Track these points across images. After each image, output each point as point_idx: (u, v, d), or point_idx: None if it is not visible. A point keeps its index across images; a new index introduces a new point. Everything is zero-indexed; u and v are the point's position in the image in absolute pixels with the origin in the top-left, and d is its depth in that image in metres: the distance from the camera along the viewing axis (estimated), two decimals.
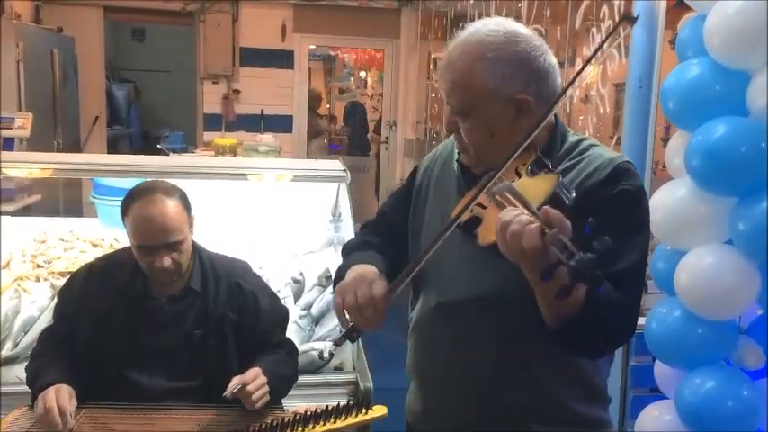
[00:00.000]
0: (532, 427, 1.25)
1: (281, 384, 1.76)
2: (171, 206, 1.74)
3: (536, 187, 1.05)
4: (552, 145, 1.24)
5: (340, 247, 2.82)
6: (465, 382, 1.29)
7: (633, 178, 1.20)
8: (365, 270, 1.24)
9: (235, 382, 1.61)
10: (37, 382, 1.68)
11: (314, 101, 7.93)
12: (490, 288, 1.21)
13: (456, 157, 1.33)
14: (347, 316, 1.20)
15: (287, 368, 1.82)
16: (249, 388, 1.61)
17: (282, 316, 1.95)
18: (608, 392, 1.35)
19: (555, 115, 1.26)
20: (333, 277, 1.55)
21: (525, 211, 0.98)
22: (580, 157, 1.22)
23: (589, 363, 1.27)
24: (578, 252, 0.88)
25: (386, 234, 1.45)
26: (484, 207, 1.13)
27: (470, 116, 1.20)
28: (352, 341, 1.24)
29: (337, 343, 1.25)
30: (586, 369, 1.27)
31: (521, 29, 1.21)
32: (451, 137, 1.33)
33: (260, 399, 1.63)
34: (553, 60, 1.22)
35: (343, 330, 1.22)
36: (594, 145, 1.26)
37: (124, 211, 1.76)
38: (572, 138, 1.27)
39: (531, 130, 1.11)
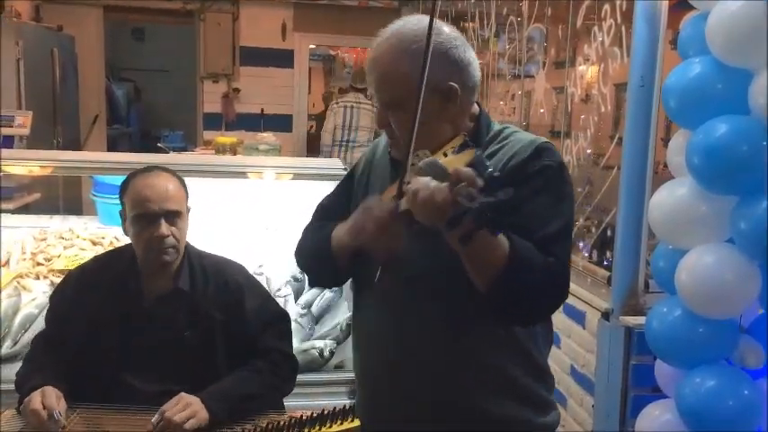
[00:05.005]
0: (482, 405, 1.29)
1: (243, 404, 1.69)
2: (171, 180, 1.79)
3: (456, 161, 1.11)
4: (479, 132, 1.32)
5: None
6: (413, 366, 1.31)
7: (554, 155, 1.28)
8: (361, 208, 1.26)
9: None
10: (24, 387, 1.67)
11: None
12: (422, 268, 1.25)
13: (388, 151, 1.40)
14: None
15: (253, 385, 1.73)
16: (168, 414, 1.57)
17: (274, 318, 1.88)
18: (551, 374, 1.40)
19: (479, 105, 1.36)
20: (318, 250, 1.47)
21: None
22: (504, 142, 1.31)
23: (528, 340, 1.31)
24: (481, 197, 0.96)
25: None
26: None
27: (400, 108, 1.25)
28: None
29: (378, 281, 1.24)
30: (527, 346, 1.32)
31: (442, 25, 1.29)
32: (382, 137, 1.41)
33: (186, 420, 1.57)
34: (472, 55, 1.30)
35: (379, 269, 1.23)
36: (516, 131, 1.34)
37: (124, 188, 1.77)
38: (496, 126, 1.36)
39: (415, 115, 1.17)
